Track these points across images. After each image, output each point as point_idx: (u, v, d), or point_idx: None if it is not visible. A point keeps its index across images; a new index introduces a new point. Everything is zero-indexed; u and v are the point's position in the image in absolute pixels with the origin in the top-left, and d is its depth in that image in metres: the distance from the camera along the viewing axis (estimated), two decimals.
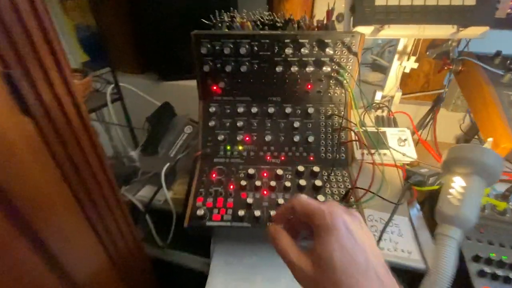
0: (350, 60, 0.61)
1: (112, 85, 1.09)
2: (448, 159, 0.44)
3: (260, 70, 0.62)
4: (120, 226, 0.50)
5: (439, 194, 0.68)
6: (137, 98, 1.12)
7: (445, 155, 0.45)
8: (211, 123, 0.65)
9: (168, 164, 0.67)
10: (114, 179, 0.46)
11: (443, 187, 0.43)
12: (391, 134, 0.71)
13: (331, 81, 0.63)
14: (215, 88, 0.64)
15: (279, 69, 0.60)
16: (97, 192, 0.42)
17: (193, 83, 1.24)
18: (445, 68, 0.74)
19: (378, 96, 0.79)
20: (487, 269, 0.47)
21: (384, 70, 1.08)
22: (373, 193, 0.51)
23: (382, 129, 0.72)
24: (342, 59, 0.61)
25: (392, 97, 0.79)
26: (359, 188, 0.53)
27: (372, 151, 0.54)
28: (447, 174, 0.44)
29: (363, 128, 0.60)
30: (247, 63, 0.60)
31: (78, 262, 0.42)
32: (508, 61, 0.67)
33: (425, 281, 0.38)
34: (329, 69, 0.60)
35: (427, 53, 0.80)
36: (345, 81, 0.62)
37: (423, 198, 0.74)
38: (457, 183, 0.41)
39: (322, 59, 0.60)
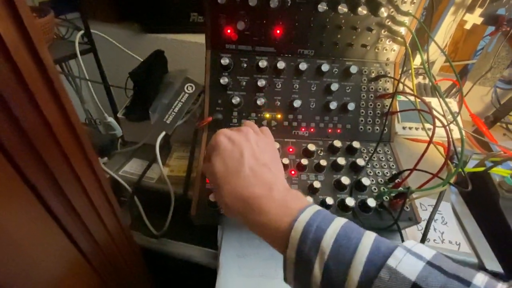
0: (413, 2, 0.46)
1: (82, 32, 0.86)
2: None
3: (294, 8, 0.45)
4: (100, 212, 0.35)
5: (483, 177, 0.61)
6: (114, 52, 0.90)
7: None
8: (223, 81, 0.49)
9: (163, 133, 0.51)
10: (91, 149, 0.30)
11: None
12: (437, 106, 0.59)
13: (382, 32, 0.49)
14: (229, 31, 0.47)
15: (322, 7, 0.44)
16: (62, 169, 0.27)
17: (183, 37, 1.04)
18: (501, 30, 0.62)
19: (417, 60, 0.66)
20: None
21: None
22: (441, 179, 0.40)
23: (427, 99, 0.60)
24: (403, 1, 0.46)
25: (433, 62, 0.66)
26: (421, 170, 0.42)
27: (439, 124, 0.42)
28: None
29: (418, 96, 0.48)
30: None
31: (34, 268, 0.27)
32: None
33: None
34: (385, 14, 0.45)
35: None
36: (404, 32, 0.47)
37: (459, 180, 0.65)
38: None
39: None
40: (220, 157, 0.33)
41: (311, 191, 0.45)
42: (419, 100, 0.44)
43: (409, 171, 0.44)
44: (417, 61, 0.66)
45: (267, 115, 0.51)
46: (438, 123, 0.41)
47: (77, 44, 0.82)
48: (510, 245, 0.49)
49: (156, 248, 0.55)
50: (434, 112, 0.42)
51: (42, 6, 0.88)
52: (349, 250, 0.24)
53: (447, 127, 0.45)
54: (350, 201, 0.43)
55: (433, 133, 0.39)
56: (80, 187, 0.30)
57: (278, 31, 0.48)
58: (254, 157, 0.33)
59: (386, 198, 0.45)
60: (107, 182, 0.35)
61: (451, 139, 0.40)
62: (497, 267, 0.46)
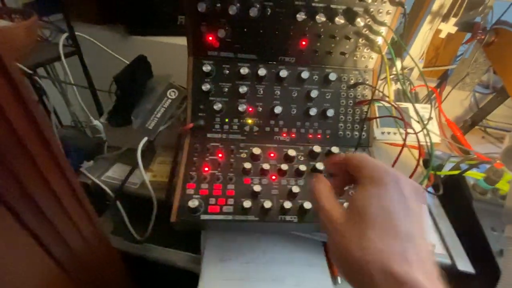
0: (389, 13, 0.47)
1: (66, 34, 0.85)
2: None
3: (274, 17, 0.46)
4: (74, 219, 0.35)
5: (458, 180, 0.63)
6: (100, 54, 0.89)
7: (510, 140, 0.36)
8: (205, 87, 0.49)
9: (146, 139, 0.52)
10: (61, 152, 0.30)
11: None
12: (413, 112, 0.61)
13: (359, 40, 0.50)
14: (211, 38, 0.48)
15: (300, 17, 0.45)
16: (32, 178, 0.27)
17: (170, 39, 1.04)
18: (476, 38, 0.65)
19: (398, 66, 0.68)
20: None
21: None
22: None
23: (404, 104, 0.62)
24: (379, 11, 0.47)
25: (412, 69, 0.68)
26: None
27: (410, 130, 0.44)
28: None
29: (393, 103, 0.49)
30: (258, 5, 0.44)
31: (4, 276, 0.27)
32: None
33: None
34: (362, 23, 0.47)
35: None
36: (380, 41, 0.49)
37: (436, 182, 0.68)
38: None
39: (355, 8, 0.46)
40: (384, 201, 0.24)
41: (290, 196, 0.46)
42: (398, 107, 0.46)
43: None
44: (398, 66, 0.68)
45: (249, 121, 0.52)
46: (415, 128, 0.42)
47: (61, 47, 0.81)
48: (482, 246, 0.51)
49: (139, 253, 0.55)
50: (410, 118, 0.44)
51: (25, 8, 0.87)
52: None
53: (423, 132, 0.47)
54: None
55: (405, 138, 0.41)
56: (52, 195, 0.30)
57: (259, 39, 0.49)
58: (422, 233, 0.24)
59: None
60: (81, 189, 0.34)
61: (428, 143, 0.42)
62: (469, 268, 0.48)
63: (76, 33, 0.85)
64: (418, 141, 0.40)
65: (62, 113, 1.17)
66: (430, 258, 0.23)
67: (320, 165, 0.48)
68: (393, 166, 0.43)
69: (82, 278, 0.44)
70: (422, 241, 0.23)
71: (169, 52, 1.02)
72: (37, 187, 0.27)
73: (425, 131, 0.44)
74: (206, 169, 0.48)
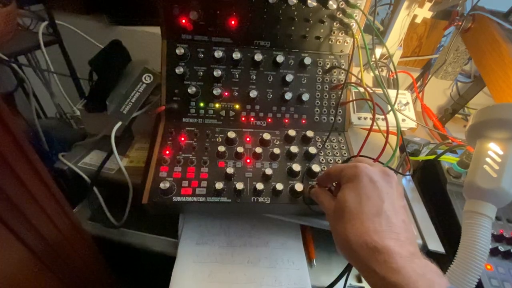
0: None
1: (46, 23, 0.83)
2: (480, 121, 0.36)
3: None
4: (46, 209, 0.35)
5: (434, 164, 0.64)
6: (82, 44, 0.88)
7: (475, 118, 0.37)
8: (179, 70, 0.49)
9: (119, 124, 0.51)
10: (26, 141, 0.30)
11: (474, 156, 0.35)
12: (392, 97, 0.62)
13: (334, 24, 0.50)
14: (184, 21, 0.48)
15: None
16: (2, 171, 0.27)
17: (153, 29, 1.03)
18: (453, 24, 0.65)
19: (377, 53, 0.68)
20: (501, 247, 0.43)
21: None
22: (382, 163, 0.42)
23: (381, 90, 0.62)
24: None
25: (392, 55, 0.69)
26: (365, 156, 0.44)
27: (380, 113, 0.44)
28: (478, 140, 0.36)
29: (368, 87, 0.50)
30: None
31: None
32: None
33: (456, 267, 0.31)
34: (334, 6, 0.47)
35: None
36: (353, 24, 0.49)
37: (415, 168, 0.69)
38: (493, 151, 0.33)
39: None
40: (357, 191, 0.30)
41: (264, 178, 0.46)
42: (369, 90, 0.46)
43: (354, 157, 0.46)
44: (377, 54, 0.69)
45: (225, 106, 0.52)
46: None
47: (40, 35, 0.80)
48: (454, 227, 0.52)
49: (117, 238, 0.55)
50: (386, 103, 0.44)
51: None
52: None
53: (394, 113, 0.47)
54: (299, 187, 0.44)
55: (373, 120, 0.41)
56: (21, 186, 0.30)
57: (233, 22, 0.49)
58: (394, 209, 0.29)
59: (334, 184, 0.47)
60: (51, 179, 0.34)
61: (399, 128, 0.42)
62: (440, 248, 0.49)
63: (57, 21, 0.84)
64: (387, 123, 0.41)
65: (47, 105, 1.15)
66: (401, 226, 0.28)
67: (294, 149, 0.49)
68: (360, 149, 0.44)
69: (58, 265, 0.44)
70: (393, 214, 0.29)
71: (150, 41, 1.01)
72: (6, 179, 0.27)
73: (395, 113, 0.44)
74: (180, 152, 0.48)
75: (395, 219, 0.28)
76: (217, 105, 0.52)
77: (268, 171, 0.46)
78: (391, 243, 0.26)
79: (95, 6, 1.06)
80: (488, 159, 0.33)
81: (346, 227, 0.29)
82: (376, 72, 0.56)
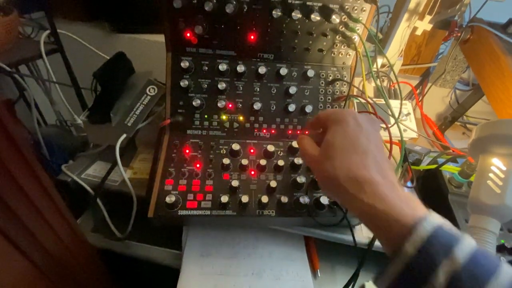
0: (364, 10, 0.48)
1: (48, 31, 0.83)
2: (483, 136, 0.36)
3: (250, 13, 0.47)
4: (49, 221, 0.35)
5: (435, 174, 0.64)
6: (83, 52, 0.88)
7: (477, 132, 0.37)
8: (184, 83, 0.49)
9: (124, 136, 0.51)
10: (29, 151, 0.30)
11: (477, 171, 0.36)
12: (394, 107, 0.62)
13: (336, 37, 0.51)
14: (188, 34, 0.48)
15: (276, 13, 0.46)
16: (5, 184, 0.27)
17: (155, 37, 1.03)
18: (452, 35, 0.66)
19: (378, 62, 0.69)
20: (503, 258, 0.43)
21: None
22: None
23: (383, 101, 0.63)
24: (354, 9, 0.48)
25: (392, 65, 0.69)
26: None
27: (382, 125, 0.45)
28: (481, 155, 0.36)
29: (370, 99, 0.50)
30: (234, 1, 0.45)
31: None
32: None
33: None
34: (337, 20, 0.47)
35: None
36: (355, 38, 0.50)
37: (416, 177, 0.69)
38: (496, 166, 0.34)
39: (331, 5, 0.47)
40: (345, 132, 0.31)
41: (268, 190, 0.47)
42: (371, 102, 0.47)
43: None
44: (378, 63, 0.69)
45: (229, 117, 0.52)
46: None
47: (42, 44, 0.80)
48: None
49: (120, 250, 0.55)
50: (388, 114, 0.45)
51: (6, 4, 0.85)
52: (489, 271, 0.22)
53: (398, 127, 0.48)
54: (304, 199, 0.45)
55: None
56: (24, 198, 0.30)
57: (236, 36, 0.49)
58: (378, 149, 0.31)
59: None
60: (55, 191, 0.34)
61: (404, 139, 0.43)
62: None
63: (58, 30, 0.84)
64: (390, 135, 0.41)
65: (47, 112, 1.15)
66: (385, 164, 0.30)
67: (298, 160, 0.49)
68: None
69: (60, 278, 0.44)
70: (377, 153, 0.30)
71: (152, 49, 1.01)
72: (8, 189, 0.27)
73: (399, 125, 0.45)
74: (185, 165, 0.48)
75: (379, 157, 0.30)
76: (221, 117, 0.52)
77: (273, 184, 0.46)
78: (376, 175, 0.28)
79: (97, 14, 1.07)
80: (491, 175, 0.34)
81: (334, 164, 0.30)
82: (378, 82, 0.57)
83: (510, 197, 0.32)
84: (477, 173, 0.36)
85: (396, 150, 0.63)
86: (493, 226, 0.32)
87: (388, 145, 0.43)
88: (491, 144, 0.36)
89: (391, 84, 0.68)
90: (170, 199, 0.42)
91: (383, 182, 0.28)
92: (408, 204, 0.26)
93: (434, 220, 0.25)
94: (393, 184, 0.28)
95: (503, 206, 0.32)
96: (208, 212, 0.44)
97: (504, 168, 0.34)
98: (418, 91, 0.93)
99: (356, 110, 0.55)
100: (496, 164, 0.34)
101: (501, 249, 0.50)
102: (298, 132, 0.54)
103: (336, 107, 0.55)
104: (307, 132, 0.40)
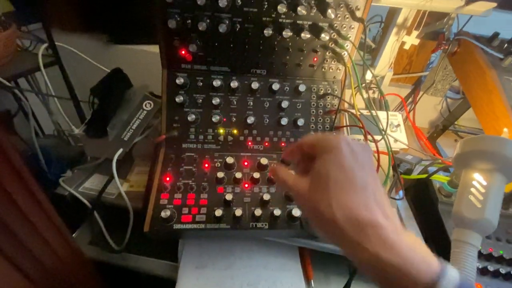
0: (352, 28, 0.50)
1: (46, 44, 0.85)
2: (465, 152, 0.38)
3: (243, 32, 0.48)
4: (44, 235, 0.36)
5: (426, 183, 0.66)
6: (81, 63, 0.90)
7: (461, 147, 0.39)
8: (179, 99, 0.51)
9: (121, 150, 0.53)
10: (24, 167, 0.31)
11: (460, 185, 0.37)
12: (383, 119, 0.64)
13: (327, 53, 0.53)
14: (183, 52, 0.50)
15: (268, 32, 0.47)
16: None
17: (153, 48, 1.05)
18: (440, 48, 0.68)
19: (368, 75, 0.71)
20: (490, 267, 0.44)
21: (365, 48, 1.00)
22: None
23: (373, 113, 0.65)
24: (343, 26, 0.50)
25: (383, 77, 0.72)
26: None
27: (376, 138, 0.47)
28: (464, 169, 0.38)
29: (360, 111, 0.52)
30: (227, 21, 0.46)
31: None
32: (506, 44, 0.63)
33: None
34: (327, 37, 0.49)
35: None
36: (345, 54, 0.52)
37: (407, 186, 0.71)
38: (478, 181, 0.35)
39: (321, 24, 0.49)
40: (339, 163, 0.27)
41: (262, 203, 0.48)
42: (359, 115, 0.48)
43: None
44: (369, 75, 0.71)
45: (223, 131, 0.54)
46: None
47: (40, 57, 0.81)
48: (446, 246, 0.54)
49: (117, 263, 0.56)
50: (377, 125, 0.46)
51: (4, 18, 0.86)
52: None
53: (386, 138, 0.49)
54: (297, 212, 0.46)
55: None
56: (18, 212, 0.31)
57: (230, 53, 0.51)
58: (375, 181, 0.28)
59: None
60: (50, 205, 0.35)
61: (395, 149, 0.44)
62: None
63: (56, 43, 0.85)
64: (377, 148, 0.43)
65: (45, 122, 1.15)
66: (385, 201, 0.27)
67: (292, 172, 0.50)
68: None
69: None
70: (376, 187, 0.27)
71: (150, 61, 1.02)
72: (2, 205, 0.28)
73: (386, 138, 0.46)
74: (180, 178, 0.49)
75: (378, 193, 0.27)
76: (215, 131, 0.53)
77: (266, 197, 0.47)
78: (380, 217, 0.25)
79: (95, 25, 1.08)
80: (473, 189, 0.35)
81: (330, 202, 0.26)
82: (365, 95, 0.59)
83: (490, 212, 0.34)
84: (460, 187, 0.37)
85: (386, 160, 0.65)
86: (475, 240, 0.33)
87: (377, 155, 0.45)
88: (473, 159, 0.37)
89: (381, 96, 0.70)
90: (165, 213, 0.43)
91: (387, 225, 0.25)
92: (418, 254, 0.24)
93: (452, 277, 0.23)
94: (396, 227, 0.25)
95: (483, 220, 0.33)
96: (202, 226, 0.45)
97: (484, 183, 0.35)
98: (410, 99, 0.96)
99: (347, 123, 0.57)
100: (477, 179, 0.36)
101: (489, 258, 0.52)
102: None
103: (327, 120, 0.56)
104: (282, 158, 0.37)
